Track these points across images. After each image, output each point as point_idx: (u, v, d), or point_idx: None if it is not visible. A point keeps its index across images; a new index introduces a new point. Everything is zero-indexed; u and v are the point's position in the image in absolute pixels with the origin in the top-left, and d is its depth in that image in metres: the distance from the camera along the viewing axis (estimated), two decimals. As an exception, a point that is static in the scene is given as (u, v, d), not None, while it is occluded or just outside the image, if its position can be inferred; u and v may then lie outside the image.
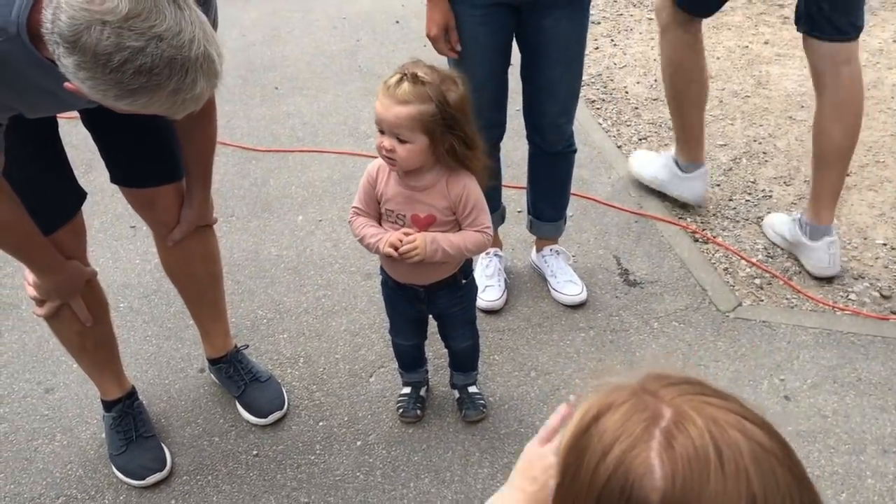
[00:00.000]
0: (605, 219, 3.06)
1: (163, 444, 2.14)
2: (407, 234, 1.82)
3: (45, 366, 2.45)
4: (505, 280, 2.68)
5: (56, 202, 1.83)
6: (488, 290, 2.61)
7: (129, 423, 2.12)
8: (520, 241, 2.91)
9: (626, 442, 0.64)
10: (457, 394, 2.27)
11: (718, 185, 3.27)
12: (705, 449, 0.61)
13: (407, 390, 2.26)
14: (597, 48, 4.53)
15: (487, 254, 2.68)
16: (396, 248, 1.81)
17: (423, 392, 2.27)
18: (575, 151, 2.59)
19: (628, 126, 3.76)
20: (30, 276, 1.86)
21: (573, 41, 2.30)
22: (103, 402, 2.15)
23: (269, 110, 3.94)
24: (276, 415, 2.24)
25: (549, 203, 2.68)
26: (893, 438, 2.14)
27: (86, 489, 2.08)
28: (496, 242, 2.73)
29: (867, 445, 2.12)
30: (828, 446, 2.12)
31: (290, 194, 3.28)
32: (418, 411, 2.24)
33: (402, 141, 1.73)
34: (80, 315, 1.94)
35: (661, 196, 3.19)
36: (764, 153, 3.47)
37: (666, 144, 3.58)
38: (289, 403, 2.29)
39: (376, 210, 1.91)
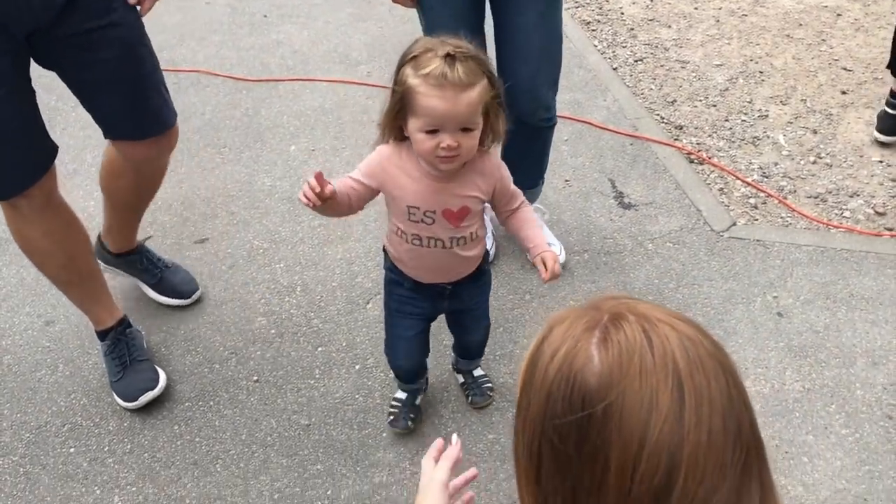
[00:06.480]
0: (601, 142, 3.04)
1: (157, 367, 2.17)
2: (553, 264, 1.63)
3: (44, 299, 2.47)
4: (492, 232, 2.50)
5: (37, 157, 1.89)
6: None
7: (123, 349, 2.15)
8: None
9: (570, 342, 0.73)
10: (461, 378, 2.13)
11: (714, 106, 3.24)
12: (637, 336, 0.71)
13: (402, 395, 2.05)
14: (592, -32, 4.42)
15: None
16: (554, 277, 1.63)
17: (418, 401, 2.05)
18: (553, 125, 2.30)
19: (624, 48, 3.70)
20: None
21: None
22: (97, 331, 2.19)
23: (259, 39, 3.87)
24: (198, 294, 2.42)
25: (521, 172, 2.38)
26: (883, 351, 2.17)
27: (90, 416, 2.12)
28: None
29: (857, 358, 2.15)
30: (819, 360, 2.15)
31: (281, 124, 3.25)
32: (409, 423, 2.00)
33: (466, 130, 1.48)
34: None
35: (657, 118, 3.16)
36: (761, 72, 3.43)
37: (662, 65, 3.53)
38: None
39: (371, 193, 1.69)
